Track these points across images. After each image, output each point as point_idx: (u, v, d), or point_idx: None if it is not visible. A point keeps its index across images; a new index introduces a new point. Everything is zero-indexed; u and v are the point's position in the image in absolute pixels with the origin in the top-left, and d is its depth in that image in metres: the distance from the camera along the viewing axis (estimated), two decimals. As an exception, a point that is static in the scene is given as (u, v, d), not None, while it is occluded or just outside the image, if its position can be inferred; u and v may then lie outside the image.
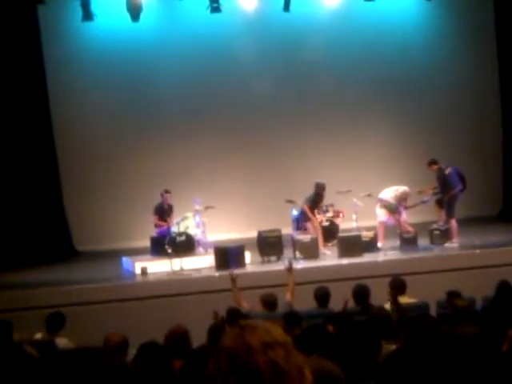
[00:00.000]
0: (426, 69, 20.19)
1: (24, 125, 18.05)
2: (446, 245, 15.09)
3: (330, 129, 19.86)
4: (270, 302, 10.46)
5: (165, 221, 16.09)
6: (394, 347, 5.96)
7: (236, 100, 19.83)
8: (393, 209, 15.34)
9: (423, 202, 15.82)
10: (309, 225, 15.43)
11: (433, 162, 15.55)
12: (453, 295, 9.34)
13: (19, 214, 17.91)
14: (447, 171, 15.32)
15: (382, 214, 15.44)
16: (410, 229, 15.34)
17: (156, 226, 16.16)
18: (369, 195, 15.54)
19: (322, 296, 10.54)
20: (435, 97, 20.24)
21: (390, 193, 15.48)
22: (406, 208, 15.55)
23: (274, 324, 2.15)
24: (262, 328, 2.04)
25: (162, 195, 16.34)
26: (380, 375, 1.93)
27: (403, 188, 15.50)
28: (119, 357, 1.84)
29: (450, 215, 15.26)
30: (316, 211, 15.63)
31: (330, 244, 15.67)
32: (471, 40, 20.25)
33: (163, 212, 16.20)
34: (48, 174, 18.64)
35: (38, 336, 9.73)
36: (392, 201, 15.37)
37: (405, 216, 15.61)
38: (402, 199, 15.46)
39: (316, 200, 15.55)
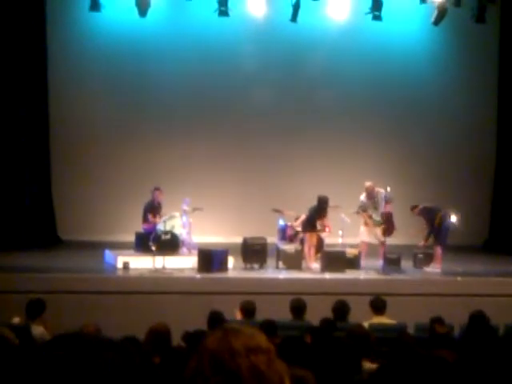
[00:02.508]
0: (425, 92, 20.27)
1: (20, 111, 18.02)
2: (427, 269, 15.11)
3: (325, 143, 19.90)
4: (248, 310, 10.44)
5: (154, 218, 16.02)
6: (373, 366, 5.98)
7: (234, 105, 19.86)
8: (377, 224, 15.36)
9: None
10: (306, 236, 15.24)
11: (414, 207, 15.62)
12: (435, 321, 9.36)
13: (6, 198, 17.84)
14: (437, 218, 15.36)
15: (364, 234, 15.47)
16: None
17: (146, 222, 16.05)
18: (357, 212, 15.55)
19: (298, 308, 10.52)
20: (432, 121, 20.32)
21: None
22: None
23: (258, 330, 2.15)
24: (245, 333, 2.04)
25: (152, 192, 16.26)
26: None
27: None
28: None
29: (437, 241, 15.28)
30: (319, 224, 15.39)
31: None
32: (474, 68, 20.32)
33: (153, 209, 16.14)
34: (39, 161, 18.59)
35: (16, 320, 9.69)
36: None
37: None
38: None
39: (319, 212, 15.22)
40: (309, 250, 15.09)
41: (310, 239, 15.15)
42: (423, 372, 1.82)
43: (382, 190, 15.57)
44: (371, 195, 15.48)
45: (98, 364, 1.59)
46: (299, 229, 15.82)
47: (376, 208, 15.48)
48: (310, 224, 15.16)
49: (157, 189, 16.23)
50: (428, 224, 15.43)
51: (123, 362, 1.62)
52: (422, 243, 15.57)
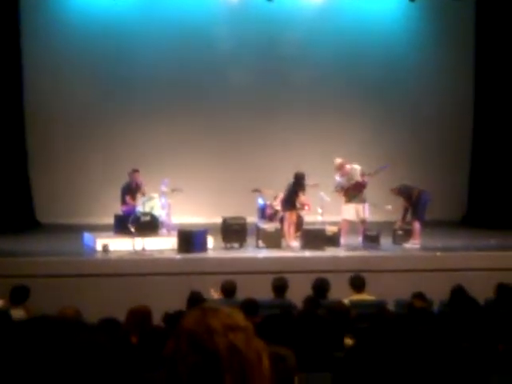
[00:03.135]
0: (402, 70, 20.29)
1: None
2: (406, 245, 15.18)
3: (302, 122, 19.89)
4: (228, 289, 10.47)
5: (133, 200, 15.98)
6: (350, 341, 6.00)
7: (211, 87, 19.79)
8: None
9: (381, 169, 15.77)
10: (286, 214, 15.20)
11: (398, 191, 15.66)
12: (415, 296, 9.41)
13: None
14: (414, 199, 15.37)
15: (347, 212, 15.44)
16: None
17: (124, 204, 15.99)
18: (336, 191, 15.53)
19: (280, 286, 10.57)
20: (410, 98, 20.35)
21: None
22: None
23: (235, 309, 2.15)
24: (223, 312, 2.05)
25: (129, 174, 16.19)
26: (337, 369, 1.95)
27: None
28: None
29: (414, 216, 15.33)
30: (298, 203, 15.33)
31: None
32: (450, 45, 20.33)
33: (131, 191, 16.08)
34: (15, 144, 18.50)
35: (-1, 304, 9.68)
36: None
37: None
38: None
39: (296, 190, 15.13)
40: (288, 228, 15.09)
41: (290, 217, 15.14)
42: (399, 346, 1.82)
43: (356, 166, 15.54)
44: (344, 172, 15.42)
45: (70, 345, 1.58)
46: (279, 208, 15.83)
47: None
48: (290, 202, 15.14)
49: (135, 170, 16.17)
50: (406, 201, 15.46)
51: (97, 343, 1.61)
52: (399, 222, 15.61)
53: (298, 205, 15.20)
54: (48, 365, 1.67)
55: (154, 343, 6.52)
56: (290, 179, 15.21)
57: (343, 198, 15.47)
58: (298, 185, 15.09)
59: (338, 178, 15.49)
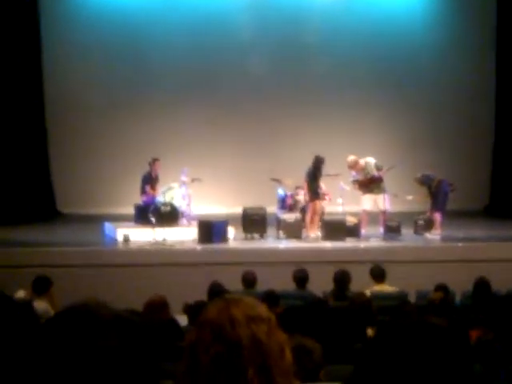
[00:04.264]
0: (423, 57, 20.16)
1: (15, 86, 18.00)
2: (427, 235, 15.10)
3: (323, 111, 19.83)
4: (249, 280, 10.47)
5: (153, 190, 15.97)
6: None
7: (230, 75, 19.77)
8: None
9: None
10: (310, 205, 15.14)
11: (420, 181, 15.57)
12: (438, 288, 9.37)
13: (5, 172, 17.81)
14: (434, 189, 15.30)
15: (366, 202, 15.39)
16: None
17: (144, 194, 15.98)
18: (353, 183, 15.45)
19: (301, 278, 10.56)
20: (431, 88, 20.22)
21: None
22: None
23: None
24: (246, 302, 2.04)
25: (149, 163, 16.17)
26: (359, 361, 1.93)
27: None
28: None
29: (435, 208, 15.26)
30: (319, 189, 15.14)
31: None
32: (471, 31, 20.18)
33: (151, 180, 16.07)
34: (36, 135, 18.60)
35: (20, 294, 9.71)
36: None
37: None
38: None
39: (316, 175, 15.02)
40: (312, 218, 14.99)
41: (313, 207, 15.04)
42: (419, 337, 1.80)
43: (370, 160, 15.45)
44: (359, 168, 15.34)
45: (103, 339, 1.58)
46: (299, 198, 15.75)
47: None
48: (314, 192, 15.01)
49: (155, 160, 16.13)
50: (428, 191, 15.40)
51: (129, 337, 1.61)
52: (428, 213, 15.52)
53: (320, 193, 15.09)
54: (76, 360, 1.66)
55: (171, 333, 6.53)
56: (309, 166, 15.11)
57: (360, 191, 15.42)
58: (316, 169, 14.99)
59: (354, 173, 15.41)
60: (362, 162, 15.43)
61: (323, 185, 15.23)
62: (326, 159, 15.03)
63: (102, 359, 1.67)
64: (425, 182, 15.44)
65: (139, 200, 16.01)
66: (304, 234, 14.96)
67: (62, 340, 1.69)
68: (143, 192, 15.96)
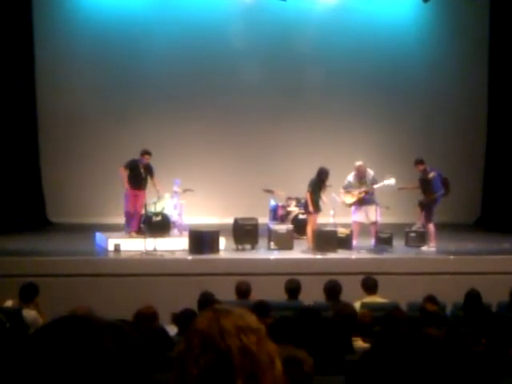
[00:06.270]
0: (416, 69, 20.22)
1: (7, 93, 17.95)
2: (423, 248, 15.11)
3: (314, 122, 19.86)
4: (242, 290, 10.46)
5: (138, 185, 15.19)
6: (365, 345, 5.96)
7: (223, 86, 19.78)
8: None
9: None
10: (311, 217, 14.94)
11: (420, 162, 15.54)
12: (427, 299, 9.38)
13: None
14: (431, 175, 15.32)
15: (357, 214, 15.38)
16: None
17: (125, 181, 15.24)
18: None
19: (293, 289, 10.56)
20: (423, 98, 20.29)
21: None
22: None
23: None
24: (236, 313, 2.04)
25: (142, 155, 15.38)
26: (351, 372, 1.92)
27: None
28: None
29: (428, 219, 15.26)
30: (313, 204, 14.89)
31: (304, 237, 15.55)
32: (463, 44, 20.26)
33: (136, 170, 15.32)
34: (27, 144, 18.57)
35: (9, 303, 9.68)
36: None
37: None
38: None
39: (320, 186, 14.93)
40: (313, 230, 14.92)
41: (314, 220, 15.02)
42: (414, 350, 1.79)
43: (371, 172, 15.46)
44: (361, 175, 15.31)
45: (96, 347, 1.57)
46: (291, 209, 15.74)
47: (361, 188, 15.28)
48: (317, 204, 14.95)
49: (146, 152, 15.51)
50: (420, 184, 15.39)
51: (122, 345, 1.60)
52: (419, 225, 15.51)
53: (321, 206, 15.00)
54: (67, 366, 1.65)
55: (161, 343, 6.51)
56: (303, 182, 15.08)
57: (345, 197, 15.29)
58: (320, 181, 14.96)
59: (350, 178, 15.37)
60: (367, 170, 15.41)
61: (325, 197, 15.12)
62: (329, 171, 14.97)
63: (94, 367, 1.66)
64: (430, 169, 15.41)
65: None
66: (305, 247, 14.91)
67: (53, 349, 1.67)
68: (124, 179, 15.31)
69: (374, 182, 15.27)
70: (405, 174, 16.41)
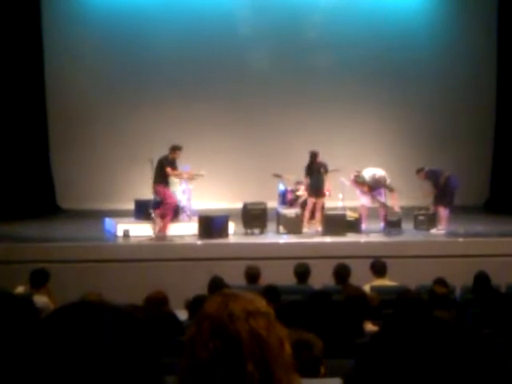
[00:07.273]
0: (425, 53, 20.12)
1: (16, 80, 17.96)
2: (432, 231, 15.07)
3: (324, 106, 19.82)
4: (252, 275, 10.46)
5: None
6: (375, 328, 5.97)
7: (231, 71, 19.75)
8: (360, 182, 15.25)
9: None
10: (311, 200, 15.16)
11: (419, 171, 15.49)
12: (437, 282, 9.37)
13: (5, 168, 17.79)
14: (441, 180, 15.20)
15: (363, 197, 15.38)
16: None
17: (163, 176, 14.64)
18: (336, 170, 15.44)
19: (302, 272, 10.56)
20: (431, 83, 20.19)
21: (368, 173, 15.34)
22: (388, 190, 15.35)
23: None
24: (245, 297, 2.04)
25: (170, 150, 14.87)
26: (361, 356, 1.91)
27: (380, 173, 15.32)
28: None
29: (440, 202, 15.17)
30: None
31: (313, 221, 15.56)
32: (472, 27, 20.16)
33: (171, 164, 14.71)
34: (37, 130, 18.59)
35: (20, 289, 9.70)
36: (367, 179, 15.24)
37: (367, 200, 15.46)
38: (378, 182, 15.28)
39: (312, 170, 15.13)
40: (312, 213, 15.04)
41: (312, 203, 15.15)
42: (425, 333, 1.79)
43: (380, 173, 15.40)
44: (354, 184, 15.38)
45: (105, 332, 1.58)
46: (300, 193, 15.76)
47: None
48: (312, 187, 15.05)
49: (176, 148, 15.00)
50: (433, 186, 15.32)
51: (130, 329, 1.61)
52: (432, 209, 15.46)
53: (316, 189, 15.08)
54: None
55: (171, 328, 6.53)
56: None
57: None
58: (310, 164, 15.13)
59: (368, 179, 15.29)
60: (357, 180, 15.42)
61: (327, 182, 15.17)
62: (319, 153, 15.08)
63: (104, 353, 1.67)
64: (430, 177, 15.38)
65: (139, 195, 15.71)
66: (311, 229, 14.97)
67: (64, 334, 1.68)
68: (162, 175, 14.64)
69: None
70: (414, 158, 16.40)
